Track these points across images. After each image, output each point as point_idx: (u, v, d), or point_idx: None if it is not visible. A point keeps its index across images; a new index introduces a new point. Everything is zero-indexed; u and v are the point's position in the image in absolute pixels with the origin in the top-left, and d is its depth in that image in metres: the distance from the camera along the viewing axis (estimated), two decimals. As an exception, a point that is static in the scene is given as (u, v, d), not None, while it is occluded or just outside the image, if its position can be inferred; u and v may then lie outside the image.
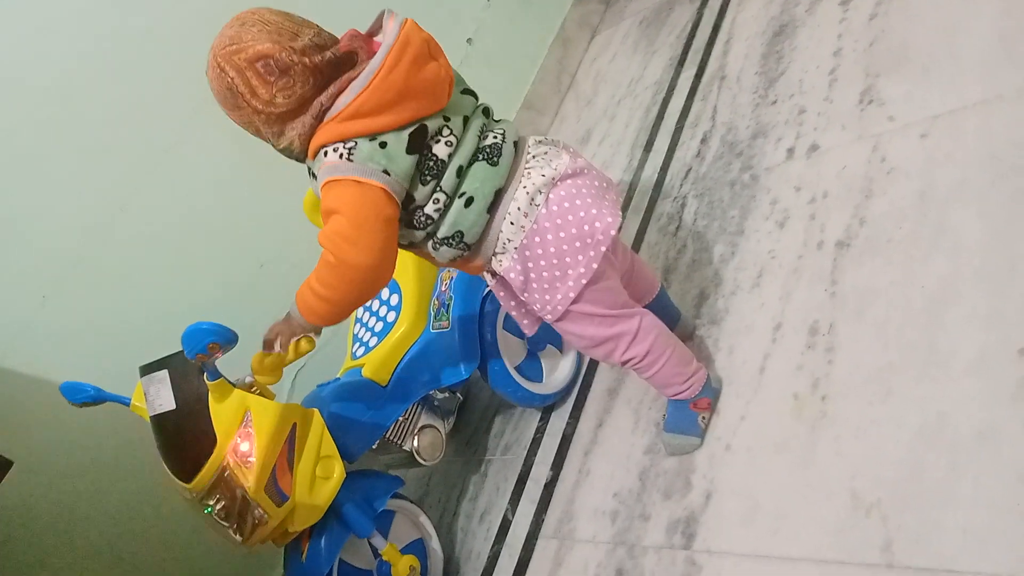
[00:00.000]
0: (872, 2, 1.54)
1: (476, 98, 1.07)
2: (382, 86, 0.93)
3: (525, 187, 1.02)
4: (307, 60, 0.93)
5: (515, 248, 1.03)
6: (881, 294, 1.10)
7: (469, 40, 2.24)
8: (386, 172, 0.94)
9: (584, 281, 1.03)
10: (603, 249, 1.03)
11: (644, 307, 1.19)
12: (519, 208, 1.02)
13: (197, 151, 1.71)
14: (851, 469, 0.98)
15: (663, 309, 1.27)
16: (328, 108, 0.95)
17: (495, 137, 1.04)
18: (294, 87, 0.94)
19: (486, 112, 1.07)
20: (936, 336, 1.00)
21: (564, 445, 1.46)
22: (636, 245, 1.66)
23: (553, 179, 1.02)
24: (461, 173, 1.01)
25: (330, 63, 0.95)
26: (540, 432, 1.54)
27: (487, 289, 1.53)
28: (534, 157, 1.05)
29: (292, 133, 0.97)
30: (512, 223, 1.02)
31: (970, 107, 1.19)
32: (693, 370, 1.17)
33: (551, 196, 1.02)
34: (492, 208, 1.02)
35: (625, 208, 1.78)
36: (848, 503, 0.95)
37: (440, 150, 0.99)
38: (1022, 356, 0.90)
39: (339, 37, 0.99)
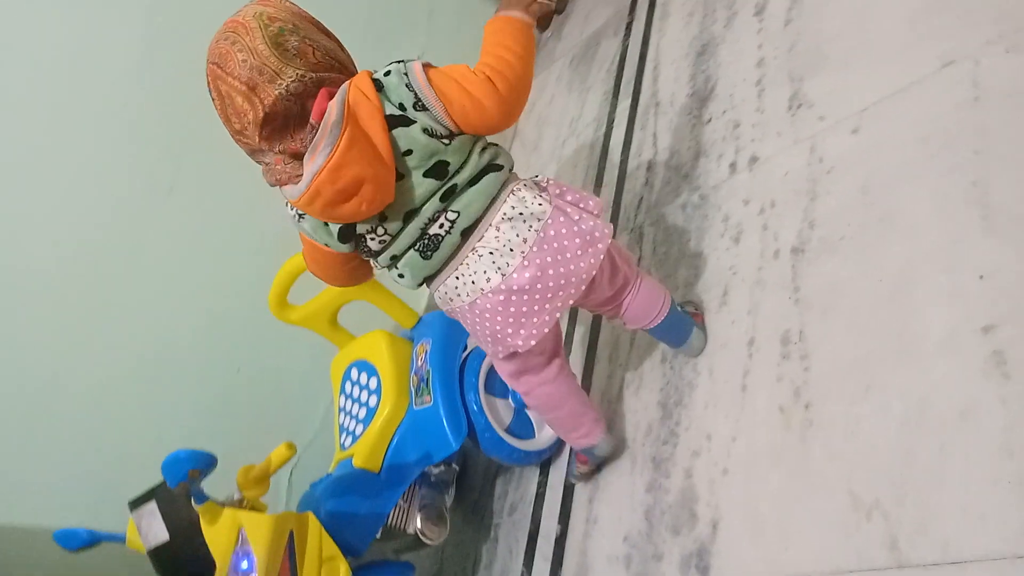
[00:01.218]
0: (784, 8, 1.58)
1: (447, 172, 0.99)
2: (306, 207, 0.97)
3: (458, 277, 1.04)
4: (261, 129, 0.94)
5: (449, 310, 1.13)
6: (844, 291, 1.11)
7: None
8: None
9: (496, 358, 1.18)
10: (508, 353, 1.14)
11: (648, 329, 1.26)
12: (446, 292, 1.07)
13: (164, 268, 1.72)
14: (847, 470, 0.97)
15: (665, 332, 1.29)
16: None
17: (442, 226, 1.01)
18: (252, 139, 0.95)
19: (452, 190, 1.00)
20: (904, 322, 1.00)
21: (568, 496, 1.44)
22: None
23: (483, 291, 1.03)
24: (394, 259, 1.05)
25: (287, 113, 0.94)
26: (542, 487, 1.52)
27: (464, 355, 1.53)
28: (480, 257, 1.03)
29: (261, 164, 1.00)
30: (440, 297, 1.10)
31: (892, 95, 1.22)
32: (579, 434, 1.29)
33: (477, 301, 1.05)
34: (425, 283, 1.09)
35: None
36: (849, 505, 0.95)
37: (372, 244, 1.03)
38: (986, 333, 0.91)
39: (319, 87, 0.95)
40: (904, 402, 0.95)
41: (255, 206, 1.71)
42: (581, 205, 1.09)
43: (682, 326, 1.28)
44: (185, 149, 1.77)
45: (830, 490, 0.98)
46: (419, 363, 1.48)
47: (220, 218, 1.82)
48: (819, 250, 1.18)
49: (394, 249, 1.03)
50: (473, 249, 1.03)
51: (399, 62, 0.98)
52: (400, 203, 0.99)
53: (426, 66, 0.98)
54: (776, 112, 1.43)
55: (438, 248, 1.02)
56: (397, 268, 1.06)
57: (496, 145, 1.08)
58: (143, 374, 1.68)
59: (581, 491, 1.42)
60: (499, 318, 1.05)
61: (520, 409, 1.53)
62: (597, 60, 2.27)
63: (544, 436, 1.51)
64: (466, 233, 1.02)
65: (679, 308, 1.28)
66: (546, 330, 1.08)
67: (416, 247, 1.03)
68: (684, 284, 1.42)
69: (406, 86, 0.96)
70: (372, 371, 1.49)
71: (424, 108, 0.95)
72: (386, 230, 1.01)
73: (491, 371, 1.50)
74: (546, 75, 2.54)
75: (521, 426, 1.52)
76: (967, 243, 0.98)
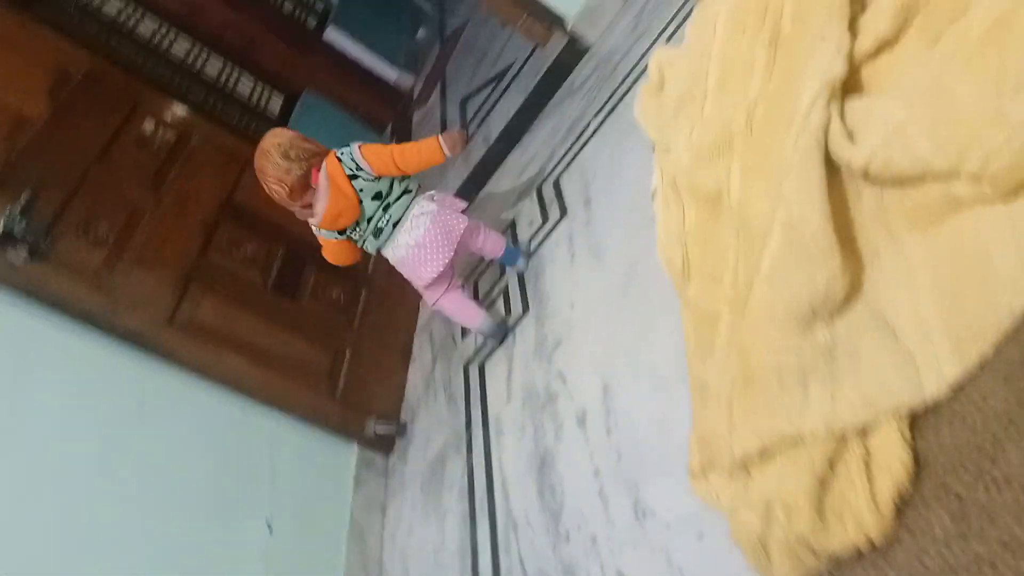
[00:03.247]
0: (602, 417, 1.74)
1: (382, 196, 2.10)
2: (324, 226, 2.14)
3: (394, 246, 2.17)
4: (288, 191, 2.05)
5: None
6: None
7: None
8: None
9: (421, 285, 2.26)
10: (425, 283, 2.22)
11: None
12: (391, 253, 2.20)
13: None
14: None
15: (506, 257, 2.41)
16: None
17: (384, 222, 2.12)
18: (287, 201, 2.08)
19: (386, 208, 2.11)
20: None
21: None
22: None
23: (406, 247, 2.14)
24: (364, 240, 2.18)
25: (299, 185, 2.04)
26: None
27: None
28: (404, 233, 2.14)
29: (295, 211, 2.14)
30: (389, 256, 2.22)
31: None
32: (469, 321, 2.36)
33: (405, 255, 2.17)
34: (380, 249, 2.21)
35: None
36: None
37: (354, 235, 2.18)
38: None
39: (311, 168, 2.04)
40: None
41: None
42: (452, 206, 2.18)
43: (516, 253, 2.39)
44: None
45: None
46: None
47: None
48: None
49: (364, 235, 2.16)
50: (400, 231, 2.13)
51: (348, 146, 2.06)
52: (362, 215, 2.11)
53: (361, 146, 2.05)
54: (625, 522, 1.50)
55: (381, 233, 2.14)
56: (366, 243, 2.18)
57: (408, 179, 2.15)
58: None
59: None
60: (416, 262, 2.15)
61: None
62: (446, 482, 2.33)
63: None
64: (396, 224, 2.13)
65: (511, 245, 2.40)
66: (440, 269, 2.15)
67: (373, 233, 2.15)
68: None
69: (352, 159, 2.05)
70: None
71: (361, 168, 2.05)
72: (358, 228, 2.14)
73: None
74: (400, 502, 2.55)
75: None
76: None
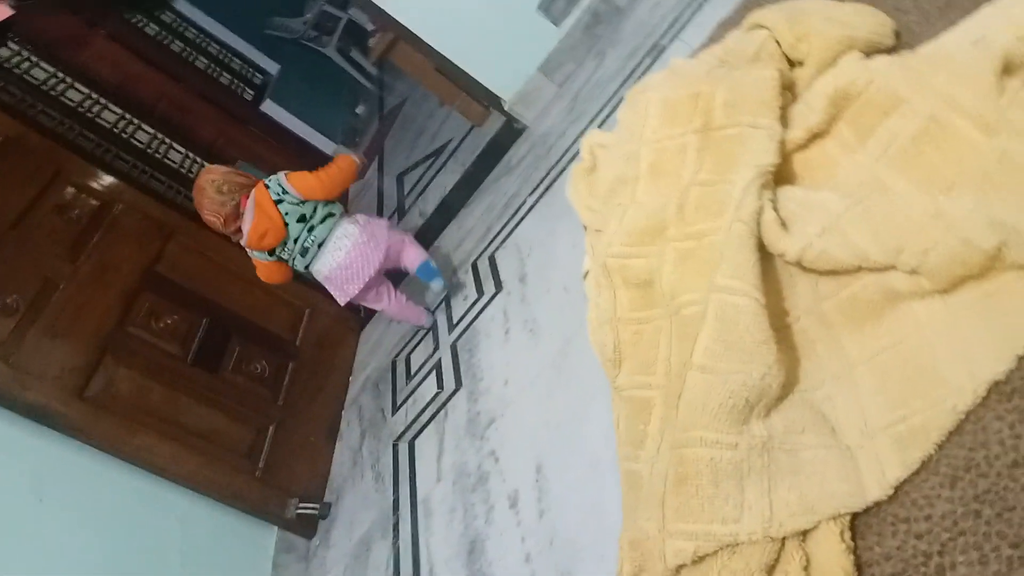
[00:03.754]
0: (534, 499, 1.68)
1: (306, 218, 2.32)
2: (250, 246, 2.36)
3: (320, 264, 2.37)
4: (223, 221, 2.32)
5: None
6: None
7: None
8: None
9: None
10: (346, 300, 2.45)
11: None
12: (318, 271, 2.40)
13: None
14: None
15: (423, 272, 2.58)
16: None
17: (310, 242, 2.33)
18: (222, 229, 2.34)
19: (311, 229, 2.32)
20: None
21: None
22: None
23: (330, 267, 2.36)
24: (293, 259, 2.37)
25: (232, 213, 2.31)
26: None
27: None
28: (328, 254, 2.34)
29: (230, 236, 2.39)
30: (315, 272, 2.41)
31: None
32: (414, 320, 2.65)
33: (329, 274, 2.38)
34: (308, 266, 2.40)
35: None
36: None
37: (283, 255, 2.37)
38: None
39: (241, 196, 2.30)
40: None
41: None
42: (375, 225, 2.43)
43: (435, 271, 2.56)
44: None
45: None
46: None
47: None
48: None
49: (292, 255, 2.35)
50: (326, 251, 2.34)
51: (275, 175, 2.32)
52: (288, 236, 2.31)
53: (288, 174, 2.31)
54: (557, 612, 1.43)
55: (308, 252, 2.34)
56: (295, 262, 2.37)
57: (332, 203, 2.37)
58: None
59: None
60: (339, 281, 2.37)
61: None
62: (371, 567, 2.22)
63: None
64: (321, 245, 2.34)
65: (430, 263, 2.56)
66: (361, 287, 2.38)
67: (300, 252, 2.34)
68: None
69: (279, 184, 2.29)
70: None
71: (287, 192, 2.28)
72: (285, 248, 2.34)
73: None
74: (322, 589, 2.41)
75: None
76: None
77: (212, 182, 2.29)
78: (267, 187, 2.29)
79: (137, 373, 2.53)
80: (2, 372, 2.23)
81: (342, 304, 2.47)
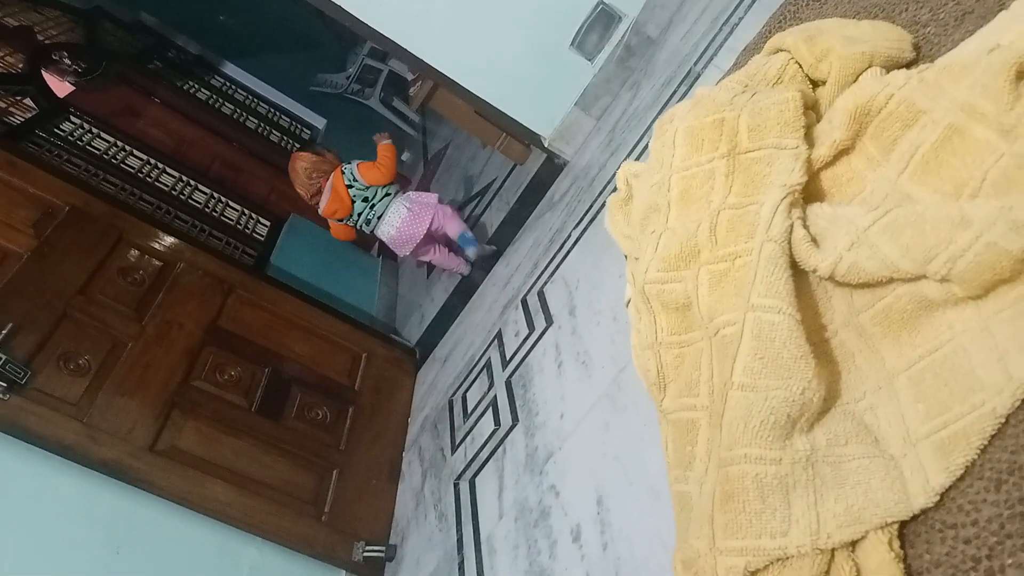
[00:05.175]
0: (597, 532, 1.68)
1: (368, 199, 3.17)
2: (325, 215, 3.30)
3: (382, 232, 3.25)
4: (309, 196, 3.27)
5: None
6: None
7: None
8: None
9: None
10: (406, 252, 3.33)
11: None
12: (380, 236, 3.29)
13: None
14: None
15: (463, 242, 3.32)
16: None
17: (372, 216, 3.20)
18: (309, 200, 3.28)
19: (372, 207, 3.18)
20: None
21: None
22: None
23: (389, 234, 3.24)
24: (358, 226, 3.27)
25: (316, 190, 3.24)
26: None
27: None
28: (386, 225, 3.21)
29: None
30: (380, 235, 3.28)
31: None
32: (456, 268, 3.42)
33: (390, 238, 3.24)
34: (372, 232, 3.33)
35: None
36: None
37: (350, 223, 3.27)
38: None
39: (324, 179, 3.23)
40: None
41: None
42: (424, 200, 3.25)
43: (472, 241, 3.25)
44: None
45: None
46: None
47: None
48: None
49: (358, 223, 3.23)
50: (384, 222, 3.19)
51: (351, 163, 3.19)
52: (354, 211, 3.19)
53: (359, 164, 3.15)
54: (625, 644, 1.42)
55: (370, 223, 3.22)
56: (361, 227, 3.24)
57: (389, 185, 3.20)
58: None
59: None
60: (396, 244, 3.24)
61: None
62: (439, 608, 2.22)
63: None
64: (380, 217, 3.19)
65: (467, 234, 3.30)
66: (411, 248, 3.22)
67: (364, 222, 3.22)
68: None
69: (352, 174, 3.15)
70: None
71: (357, 180, 3.15)
72: (351, 218, 3.21)
73: None
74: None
75: None
76: None
77: (304, 168, 3.17)
78: (343, 173, 3.14)
79: (204, 424, 2.61)
80: (77, 430, 2.33)
81: (401, 255, 3.44)
